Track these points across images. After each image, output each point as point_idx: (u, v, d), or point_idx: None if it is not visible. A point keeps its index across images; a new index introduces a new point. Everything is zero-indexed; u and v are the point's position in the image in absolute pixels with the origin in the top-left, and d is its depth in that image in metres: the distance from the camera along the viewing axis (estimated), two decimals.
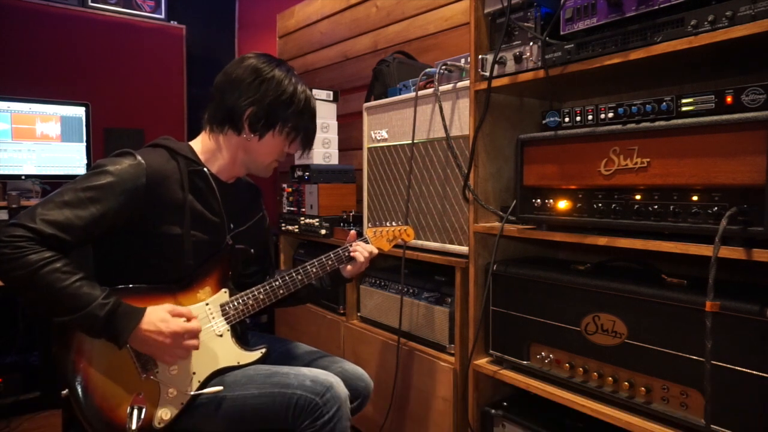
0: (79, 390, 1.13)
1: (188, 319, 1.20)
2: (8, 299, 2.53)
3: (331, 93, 2.71)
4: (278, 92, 1.30)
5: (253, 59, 1.33)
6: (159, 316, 1.16)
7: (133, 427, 1.08)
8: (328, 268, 1.45)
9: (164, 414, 1.18)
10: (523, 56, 1.39)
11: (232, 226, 1.40)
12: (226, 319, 1.31)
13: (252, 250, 1.46)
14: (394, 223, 1.65)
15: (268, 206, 1.74)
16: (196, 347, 1.21)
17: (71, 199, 1.12)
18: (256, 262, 1.54)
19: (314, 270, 1.42)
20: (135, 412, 1.09)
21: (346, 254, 1.48)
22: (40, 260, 1.06)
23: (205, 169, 1.32)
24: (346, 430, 1.25)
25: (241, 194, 1.49)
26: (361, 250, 1.49)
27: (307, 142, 1.43)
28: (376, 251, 1.52)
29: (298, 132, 1.37)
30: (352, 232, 1.56)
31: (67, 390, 1.13)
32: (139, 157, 1.21)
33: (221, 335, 1.30)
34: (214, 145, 1.35)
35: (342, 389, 1.26)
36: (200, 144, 1.37)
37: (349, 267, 1.50)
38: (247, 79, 1.29)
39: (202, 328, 1.24)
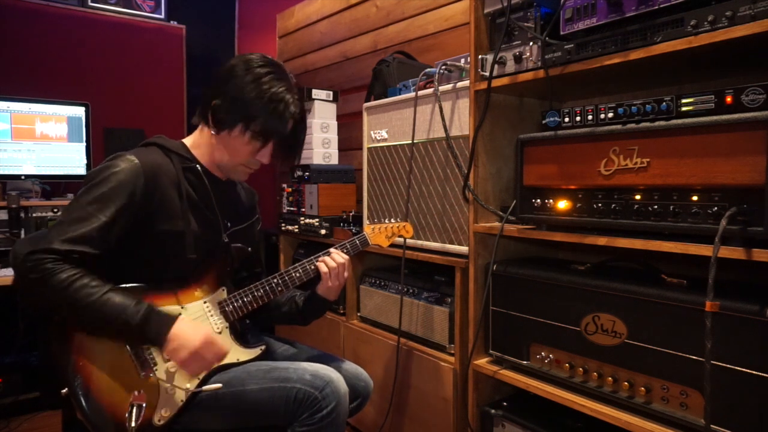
0: (79, 389, 1.13)
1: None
2: (8, 299, 2.53)
3: (331, 93, 2.71)
4: (244, 88, 1.25)
5: (249, 55, 1.31)
6: (193, 330, 1.20)
7: (133, 424, 1.08)
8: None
9: (164, 411, 1.18)
10: (523, 56, 1.39)
11: (228, 224, 1.40)
12: (224, 317, 1.31)
13: (249, 249, 1.46)
14: (392, 220, 1.65)
15: (269, 206, 1.74)
16: (214, 361, 1.24)
17: (81, 215, 1.15)
18: (245, 266, 1.53)
19: (312, 267, 1.42)
20: (135, 409, 1.09)
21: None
22: (68, 278, 1.10)
23: (198, 166, 1.33)
24: (343, 425, 1.25)
25: (237, 194, 1.49)
26: (328, 261, 1.40)
27: (287, 153, 1.34)
28: (342, 261, 1.42)
29: (267, 137, 1.28)
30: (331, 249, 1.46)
31: (66, 389, 1.13)
32: (132, 157, 1.22)
33: (220, 332, 1.30)
34: (202, 139, 1.36)
35: (342, 385, 1.26)
36: (192, 139, 1.37)
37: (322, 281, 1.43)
38: (224, 72, 1.29)
39: (198, 314, 1.27)
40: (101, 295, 1.11)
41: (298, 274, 1.40)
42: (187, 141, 1.37)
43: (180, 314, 1.21)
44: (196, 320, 1.27)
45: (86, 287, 1.11)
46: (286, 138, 1.31)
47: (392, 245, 1.64)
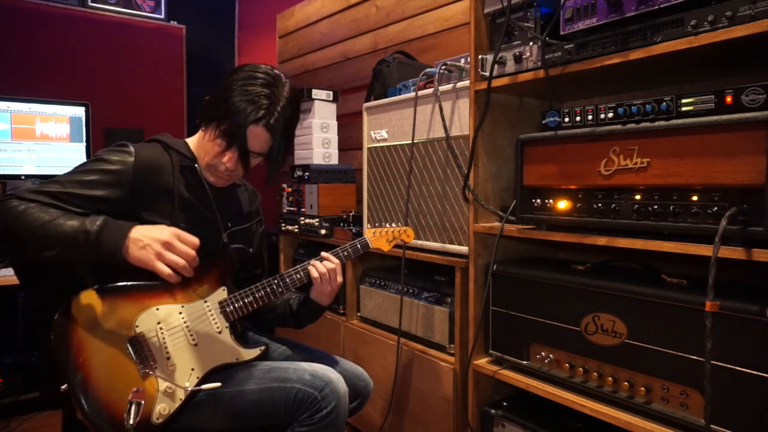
0: (79, 386, 1.13)
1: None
2: (8, 299, 2.53)
3: (331, 93, 2.71)
4: (231, 88, 1.23)
5: (260, 64, 1.31)
6: (156, 227, 1.17)
7: (131, 422, 1.08)
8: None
9: (162, 409, 1.18)
10: (523, 56, 1.39)
11: (229, 224, 1.39)
12: (224, 317, 1.31)
13: (251, 250, 1.46)
14: (394, 224, 1.65)
15: (269, 206, 1.73)
16: (179, 264, 1.15)
17: (64, 180, 1.19)
18: (244, 267, 1.52)
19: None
20: (133, 407, 1.09)
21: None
22: (25, 207, 1.12)
23: (196, 165, 1.33)
24: (342, 426, 1.25)
25: (238, 195, 1.49)
26: (318, 266, 1.38)
27: (243, 160, 1.26)
28: (333, 267, 1.40)
29: (230, 140, 1.23)
30: (323, 253, 1.44)
31: (66, 385, 1.13)
32: (131, 148, 1.25)
33: (220, 332, 1.30)
34: (199, 137, 1.36)
35: (341, 385, 1.26)
36: (193, 139, 1.38)
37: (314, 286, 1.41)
38: (229, 72, 1.29)
39: (199, 313, 1.26)
40: (57, 216, 1.12)
41: (299, 276, 1.40)
42: (190, 140, 1.38)
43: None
44: (197, 320, 1.27)
45: (42, 211, 1.12)
46: (244, 143, 1.24)
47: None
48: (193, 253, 1.17)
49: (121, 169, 1.21)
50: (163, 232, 1.15)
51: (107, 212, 1.19)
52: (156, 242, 1.13)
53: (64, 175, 1.20)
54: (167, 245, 1.14)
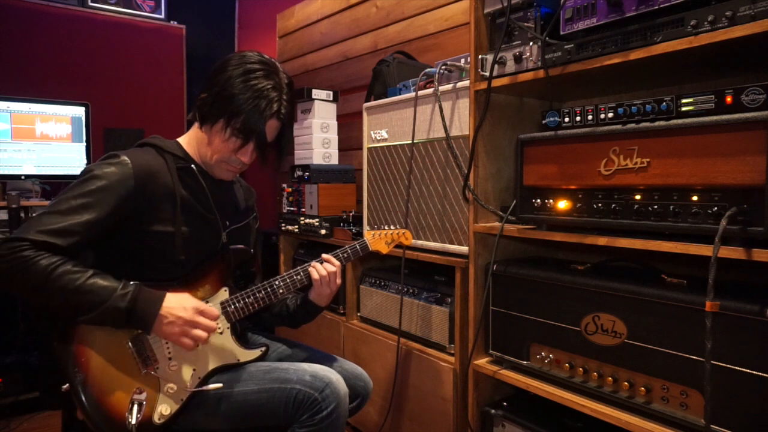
0: (80, 385, 1.13)
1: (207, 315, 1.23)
2: (8, 299, 2.53)
3: (331, 93, 2.71)
4: (232, 83, 1.24)
5: (246, 52, 1.31)
6: (181, 303, 1.19)
7: (133, 421, 1.08)
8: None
9: (164, 409, 1.18)
10: (523, 56, 1.39)
11: (228, 223, 1.39)
12: (226, 317, 1.31)
13: (252, 250, 1.46)
14: (393, 227, 1.65)
15: (269, 206, 1.73)
16: (203, 338, 1.21)
17: (65, 208, 1.14)
18: (242, 266, 1.51)
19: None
20: (135, 406, 1.09)
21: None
22: (50, 264, 1.08)
23: (193, 165, 1.32)
24: (343, 426, 1.25)
25: (235, 192, 1.49)
26: (319, 268, 1.40)
27: (264, 154, 1.30)
28: (334, 270, 1.41)
29: (247, 135, 1.26)
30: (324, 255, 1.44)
31: (67, 384, 1.13)
32: (124, 157, 1.22)
33: (221, 333, 1.30)
34: (193, 135, 1.36)
35: (341, 386, 1.26)
36: (186, 137, 1.37)
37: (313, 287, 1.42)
38: (218, 66, 1.29)
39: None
40: (85, 280, 1.10)
41: (299, 277, 1.40)
42: (182, 140, 1.37)
43: (166, 293, 1.19)
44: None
45: (69, 273, 1.09)
46: (265, 138, 1.27)
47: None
48: (214, 325, 1.23)
49: (119, 183, 1.18)
50: (187, 310, 1.19)
51: (113, 228, 1.19)
52: (181, 320, 1.18)
53: (61, 199, 1.15)
54: (192, 323, 1.19)
